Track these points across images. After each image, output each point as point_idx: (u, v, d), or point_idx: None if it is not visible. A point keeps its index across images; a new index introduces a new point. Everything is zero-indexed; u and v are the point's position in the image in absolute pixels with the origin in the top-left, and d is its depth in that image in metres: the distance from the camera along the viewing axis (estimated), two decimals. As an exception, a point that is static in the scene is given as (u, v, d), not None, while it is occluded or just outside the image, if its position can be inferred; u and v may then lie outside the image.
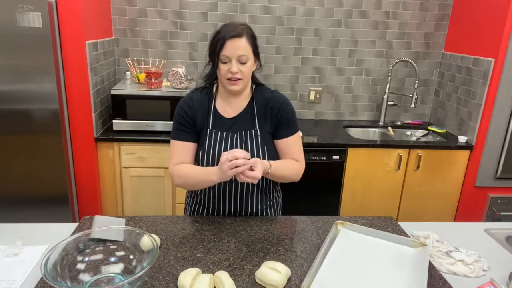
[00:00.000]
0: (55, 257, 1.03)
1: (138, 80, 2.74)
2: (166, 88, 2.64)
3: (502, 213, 2.73)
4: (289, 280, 1.14)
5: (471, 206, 2.77)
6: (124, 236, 1.16)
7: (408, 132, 3.09)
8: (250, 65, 1.39)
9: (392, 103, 3.11)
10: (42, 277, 1.11)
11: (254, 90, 1.51)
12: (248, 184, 1.48)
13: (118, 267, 1.12)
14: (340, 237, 1.34)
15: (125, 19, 2.84)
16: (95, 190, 2.53)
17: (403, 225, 1.52)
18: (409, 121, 3.21)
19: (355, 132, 2.99)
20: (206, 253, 1.26)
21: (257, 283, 1.13)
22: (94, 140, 2.45)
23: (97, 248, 1.14)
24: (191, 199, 1.60)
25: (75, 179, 2.48)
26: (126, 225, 1.38)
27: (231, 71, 1.35)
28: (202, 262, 1.22)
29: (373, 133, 3.12)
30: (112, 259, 1.13)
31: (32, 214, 2.41)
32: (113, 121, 2.54)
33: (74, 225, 1.42)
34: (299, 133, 1.54)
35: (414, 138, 3.04)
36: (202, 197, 1.55)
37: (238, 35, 1.34)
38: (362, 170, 2.65)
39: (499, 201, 2.73)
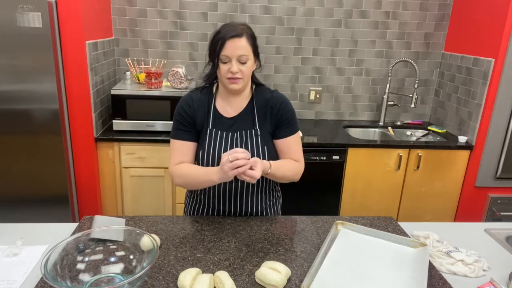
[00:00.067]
0: (55, 257, 1.03)
1: (138, 80, 2.74)
2: (166, 88, 2.64)
3: (502, 213, 2.73)
4: (289, 280, 1.14)
5: (471, 206, 2.77)
6: (124, 236, 1.16)
7: (408, 132, 3.09)
8: (250, 65, 1.39)
9: (392, 103, 3.11)
10: (42, 277, 1.11)
11: (254, 90, 1.51)
12: (247, 184, 1.48)
13: (118, 267, 1.12)
14: (340, 237, 1.34)
15: (125, 19, 2.84)
16: (95, 190, 2.53)
17: (403, 225, 1.52)
18: (409, 121, 3.21)
19: (355, 132, 2.99)
20: (206, 253, 1.26)
21: (257, 283, 1.13)
22: (94, 140, 2.45)
23: (97, 248, 1.14)
24: (191, 199, 1.60)
25: (75, 179, 2.48)
26: (126, 225, 1.38)
27: (231, 71, 1.35)
28: (202, 262, 1.22)
29: (373, 133, 3.12)
30: (112, 259, 1.13)
31: (32, 214, 2.41)
32: (113, 121, 2.54)
33: (74, 225, 1.42)
34: (299, 133, 1.54)
35: (414, 138, 3.04)
36: (202, 197, 1.55)
37: (238, 35, 1.34)
38: (362, 170, 2.65)
39: (499, 201, 2.74)
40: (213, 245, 1.31)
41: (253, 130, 1.46)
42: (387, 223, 1.51)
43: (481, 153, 2.64)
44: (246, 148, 1.44)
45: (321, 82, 3.09)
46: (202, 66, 2.81)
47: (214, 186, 1.49)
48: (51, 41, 2.14)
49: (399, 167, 2.66)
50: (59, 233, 1.33)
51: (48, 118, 2.26)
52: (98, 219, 1.33)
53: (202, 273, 1.14)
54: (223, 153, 1.30)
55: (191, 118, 1.46)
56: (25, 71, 2.17)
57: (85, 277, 1.07)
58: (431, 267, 1.24)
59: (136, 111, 2.53)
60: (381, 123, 3.12)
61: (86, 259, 1.11)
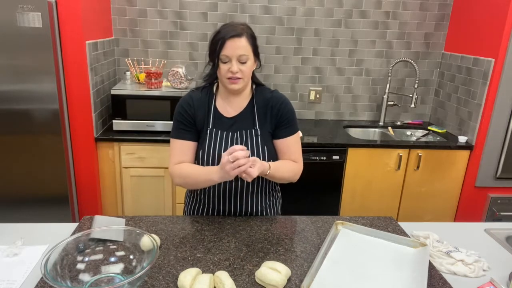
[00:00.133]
0: (55, 257, 1.03)
1: (138, 80, 2.74)
2: (166, 88, 2.64)
3: (502, 213, 2.73)
4: (289, 280, 1.14)
5: (471, 206, 2.77)
6: (124, 236, 1.16)
7: (408, 132, 3.09)
8: (250, 64, 1.39)
9: (392, 103, 3.11)
10: (42, 277, 1.11)
11: (254, 90, 1.51)
12: (247, 184, 1.48)
13: (118, 267, 1.12)
14: (340, 237, 1.34)
15: (125, 19, 2.84)
16: (95, 190, 2.53)
17: (403, 225, 1.52)
18: (409, 121, 3.21)
19: (355, 132, 2.99)
20: (206, 253, 1.26)
21: (257, 283, 1.13)
22: (94, 140, 2.45)
23: (97, 248, 1.14)
24: (191, 199, 1.60)
25: (75, 179, 2.48)
26: (126, 225, 1.38)
27: (231, 70, 1.35)
28: (202, 262, 1.22)
29: (373, 133, 3.12)
30: (112, 259, 1.13)
31: (32, 214, 2.41)
32: (113, 121, 2.54)
33: (74, 225, 1.42)
34: (299, 133, 1.54)
35: (414, 138, 3.04)
36: (202, 197, 1.55)
37: (238, 35, 1.34)
38: (362, 170, 2.65)
39: (499, 201, 2.73)
40: (213, 245, 1.31)
41: (253, 130, 1.46)
42: (387, 223, 1.51)
43: (481, 153, 2.64)
44: (246, 148, 1.43)
45: (321, 82, 3.09)
46: (202, 66, 2.82)
47: (213, 186, 1.49)
48: (51, 41, 2.14)
49: (399, 167, 2.66)
50: (59, 233, 1.33)
51: (48, 118, 2.26)
52: (98, 219, 1.33)
53: (202, 273, 1.14)
54: (223, 153, 1.30)
55: (192, 117, 1.46)
56: (25, 71, 2.17)
57: (85, 277, 1.07)
58: (431, 267, 1.24)
59: (136, 111, 2.53)
60: (381, 123, 3.12)
61: (86, 259, 1.11)
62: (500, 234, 1.50)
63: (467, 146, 2.66)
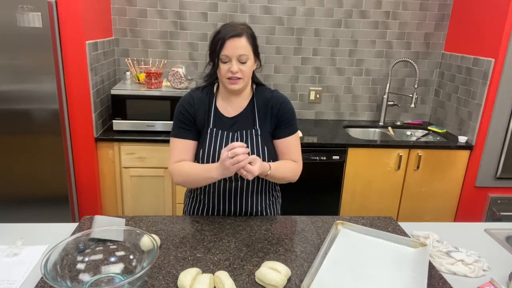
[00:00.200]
0: (55, 257, 1.03)
1: (138, 80, 2.74)
2: (166, 88, 2.64)
3: (502, 213, 2.73)
4: (289, 280, 1.14)
5: (471, 206, 2.77)
6: (124, 236, 1.16)
7: (408, 132, 3.09)
8: (250, 64, 1.39)
9: (392, 103, 3.11)
10: (42, 277, 1.11)
11: (255, 90, 1.51)
12: (247, 184, 1.48)
13: (118, 267, 1.12)
14: (340, 237, 1.34)
15: (125, 19, 2.84)
16: (95, 190, 2.53)
17: (403, 225, 1.52)
18: (409, 121, 3.21)
19: (355, 132, 2.99)
20: (206, 253, 1.26)
21: (257, 283, 1.13)
22: (94, 140, 2.45)
23: (97, 248, 1.14)
24: (190, 199, 1.60)
25: (75, 179, 2.48)
26: (126, 225, 1.38)
27: (231, 70, 1.36)
28: (202, 262, 1.22)
29: (373, 133, 3.12)
30: (112, 259, 1.13)
31: (32, 214, 2.41)
32: (113, 121, 2.54)
33: (74, 225, 1.42)
34: (299, 133, 1.54)
35: (414, 138, 3.04)
36: (202, 196, 1.55)
37: (238, 35, 1.34)
38: (362, 170, 2.65)
39: (499, 201, 2.73)
40: (213, 245, 1.31)
41: (253, 130, 1.46)
42: (387, 223, 1.51)
43: (481, 153, 2.64)
44: (246, 147, 1.44)
45: (321, 82, 3.09)
46: (202, 66, 2.82)
47: (213, 186, 1.49)
48: (51, 41, 2.14)
49: (399, 167, 2.66)
50: (59, 233, 1.33)
51: (48, 118, 2.26)
52: (98, 219, 1.33)
53: (202, 273, 1.15)
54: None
55: (192, 116, 1.46)
56: (25, 71, 2.17)
57: (85, 277, 1.07)
58: (431, 267, 1.24)
59: (136, 111, 2.53)
60: (381, 123, 3.12)
61: (86, 259, 1.11)
62: (500, 234, 1.50)
63: (467, 146, 2.66)
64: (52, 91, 2.22)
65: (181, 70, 2.57)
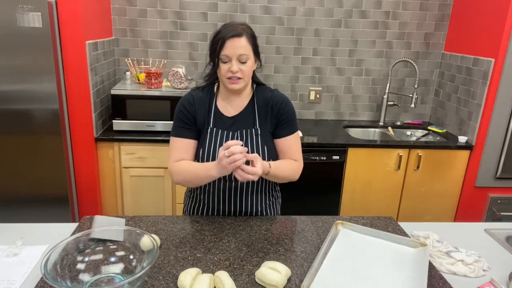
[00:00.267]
0: (55, 257, 1.03)
1: (138, 80, 2.74)
2: (166, 88, 2.64)
3: (502, 213, 2.73)
4: (289, 280, 1.14)
5: (471, 206, 2.77)
6: (124, 236, 1.16)
7: (408, 132, 3.09)
8: (251, 64, 1.39)
9: (392, 103, 3.11)
10: (42, 277, 1.11)
11: (255, 89, 1.51)
12: (247, 183, 1.48)
13: (118, 267, 1.12)
14: (340, 237, 1.34)
15: (125, 19, 2.84)
16: (95, 190, 2.53)
17: (403, 225, 1.52)
18: (409, 121, 3.21)
19: (355, 132, 2.99)
20: (206, 253, 1.26)
21: (257, 283, 1.13)
22: (94, 140, 2.45)
23: (97, 248, 1.14)
24: (190, 199, 1.60)
25: (75, 179, 2.48)
26: (126, 225, 1.38)
27: (231, 70, 1.36)
28: (202, 262, 1.22)
29: (373, 133, 3.12)
30: (112, 259, 1.13)
31: (32, 214, 2.41)
32: (113, 121, 2.54)
33: (74, 225, 1.42)
34: (299, 133, 1.54)
35: (414, 138, 3.04)
36: (202, 196, 1.55)
37: (238, 35, 1.34)
38: (362, 170, 2.65)
39: (499, 201, 2.73)
40: (213, 245, 1.31)
41: (253, 130, 1.46)
42: (387, 223, 1.51)
43: (481, 153, 2.64)
44: (246, 147, 1.44)
45: (321, 82, 3.09)
46: (202, 66, 2.82)
47: (213, 186, 1.49)
48: (51, 41, 2.14)
49: (399, 167, 2.66)
50: (59, 233, 1.33)
51: (48, 118, 2.26)
52: (98, 219, 1.33)
53: (202, 273, 1.15)
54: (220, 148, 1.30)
55: (192, 116, 1.46)
56: (25, 71, 2.17)
57: (85, 277, 1.07)
58: (431, 267, 1.24)
59: (136, 111, 2.53)
60: (381, 123, 3.12)
61: (86, 259, 1.11)
62: (500, 234, 1.50)
63: (467, 146, 2.66)
64: (52, 91, 2.22)
65: (181, 70, 2.57)
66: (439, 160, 2.67)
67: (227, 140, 1.44)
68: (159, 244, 1.22)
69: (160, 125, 2.56)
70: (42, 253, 1.25)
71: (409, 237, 1.42)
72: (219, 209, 1.53)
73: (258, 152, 1.44)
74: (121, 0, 2.79)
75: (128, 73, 2.75)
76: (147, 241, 1.10)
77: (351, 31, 2.98)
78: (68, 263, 1.06)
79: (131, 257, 1.13)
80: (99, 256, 1.13)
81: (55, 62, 2.19)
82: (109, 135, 2.51)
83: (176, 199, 2.62)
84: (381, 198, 2.73)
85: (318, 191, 2.67)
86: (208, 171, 1.35)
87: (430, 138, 2.95)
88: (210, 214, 1.55)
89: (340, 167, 2.64)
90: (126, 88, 2.57)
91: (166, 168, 2.44)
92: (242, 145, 1.25)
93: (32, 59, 2.16)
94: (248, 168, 1.26)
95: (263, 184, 1.53)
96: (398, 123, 3.16)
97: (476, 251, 1.34)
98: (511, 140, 2.59)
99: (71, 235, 1.19)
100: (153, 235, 1.13)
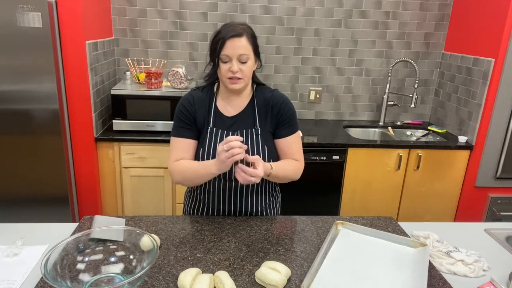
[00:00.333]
0: (55, 257, 1.03)
1: (138, 80, 2.74)
2: (166, 88, 2.64)
3: (502, 213, 2.73)
4: (289, 280, 1.14)
5: (471, 206, 2.77)
6: (124, 236, 1.16)
7: (408, 132, 3.09)
8: (251, 64, 1.39)
9: (392, 103, 3.11)
10: (42, 277, 1.11)
11: (255, 90, 1.51)
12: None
13: (118, 267, 1.12)
14: (340, 237, 1.34)
15: (125, 19, 2.84)
16: (95, 190, 2.53)
17: (403, 225, 1.52)
18: (409, 121, 3.21)
19: (355, 132, 2.99)
20: (206, 253, 1.26)
21: (257, 283, 1.13)
22: (94, 140, 2.45)
23: (97, 248, 1.14)
24: (190, 199, 1.60)
25: (75, 179, 2.48)
26: (126, 225, 1.38)
27: (231, 70, 1.36)
28: (202, 262, 1.22)
29: (373, 133, 3.12)
30: (112, 259, 1.13)
31: (32, 214, 2.41)
32: (113, 121, 2.54)
33: (74, 225, 1.42)
34: (299, 133, 1.54)
35: (414, 138, 3.04)
36: (201, 196, 1.55)
37: (238, 35, 1.34)
38: (362, 170, 2.65)
39: (499, 201, 2.74)
40: (213, 245, 1.31)
41: (253, 130, 1.46)
42: (387, 223, 1.51)
43: (481, 153, 2.64)
44: (246, 147, 1.43)
45: (321, 82, 3.09)
46: (202, 66, 2.82)
47: (213, 186, 1.49)
48: (51, 41, 2.14)
49: (399, 167, 2.66)
50: (59, 233, 1.33)
51: (48, 118, 2.26)
52: (98, 219, 1.33)
53: (202, 273, 1.15)
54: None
55: (192, 116, 1.46)
56: (25, 71, 2.17)
57: (85, 277, 1.07)
58: (431, 267, 1.24)
59: (136, 111, 2.53)
60: (381, 123, 3.12)
61: (86, 259, 1.11)
62: (500, 234, 1.50)
63: (467, 146, 2.66)
64: (52, 91, 2.22)
65: (181, 70, 2.57)
66: (439, 160, 2.67)
67: (227, 139, 1.44)
68: (159, 244, 1.22)
69: (160, 125, 2.56)
70: (42, 253, 1.25)
71: (409, 237, 1.42)
72: (219, 209, 1.53)
73: (258, 152, 1.44)
74: (121, 0, 2.79)
75: (128, 73, 2.75)
76: (147, 241, 1.10)
77: (351, 31, 2.98)
78: (68, 263, 1.06)
79: (131, 257, 1.13)
80: (99, 256, 1.13)
81: (55, 62, 2.19)
82: (109, 135, 2.51)
83: (176, 199, 2.62)
84: (381, 198, 2.73)
85: (318, 191, 2.67)
86: (208, 168, 1.35)
87: (430, 138, 2.95)
88: (210, 214, 1.55)
89: (340, 167, 2.64)
90: (126, 88, 2.57)
91: (166, 168, 2.44)
92: (242, 142, 1.26)
93: (32, 59, 2.16)
94: (250, 170, 1.26)
95: (263, 184, 1.53)
96: (398, 123, 3.16)
97: (476, 251, 1.34)
98: (511, 140, 2.59)
99: (71, 235, 1.19)
100: (153, 235, 1.13)
